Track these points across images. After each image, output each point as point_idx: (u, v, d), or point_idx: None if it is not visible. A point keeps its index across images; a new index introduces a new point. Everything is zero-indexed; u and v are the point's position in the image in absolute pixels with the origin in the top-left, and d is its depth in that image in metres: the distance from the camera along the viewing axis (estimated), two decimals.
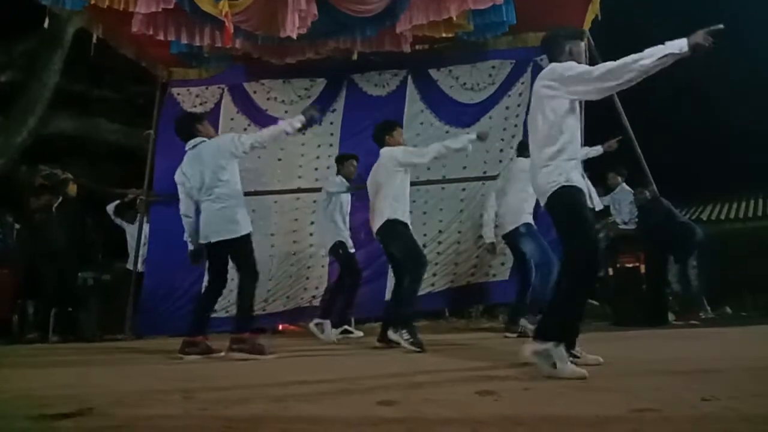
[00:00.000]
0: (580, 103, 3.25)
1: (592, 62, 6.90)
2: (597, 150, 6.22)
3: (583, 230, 3.00)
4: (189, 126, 4.76)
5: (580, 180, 3.09)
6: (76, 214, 7.79)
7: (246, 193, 6.93)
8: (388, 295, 6.43)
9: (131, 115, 12.05)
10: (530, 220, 5.51)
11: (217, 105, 7.58)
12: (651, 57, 2.82)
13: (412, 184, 6.74)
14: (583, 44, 3.27)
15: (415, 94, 7.25)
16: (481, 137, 4.91)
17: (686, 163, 16.55)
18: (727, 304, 8.78)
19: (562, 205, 3.05)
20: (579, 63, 3.17)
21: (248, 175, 7.14)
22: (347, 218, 6.14)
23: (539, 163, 3.11)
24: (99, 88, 12.70)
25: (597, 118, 6.39)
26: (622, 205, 7.37)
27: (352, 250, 6.07)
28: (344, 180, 6.11)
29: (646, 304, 6.65)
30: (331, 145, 7.31)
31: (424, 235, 6.77)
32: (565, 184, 3.02)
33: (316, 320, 5.93)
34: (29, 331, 6.92)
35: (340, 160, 6.29)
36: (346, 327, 6.13)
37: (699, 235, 7.07)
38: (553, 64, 3.18)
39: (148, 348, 5.54)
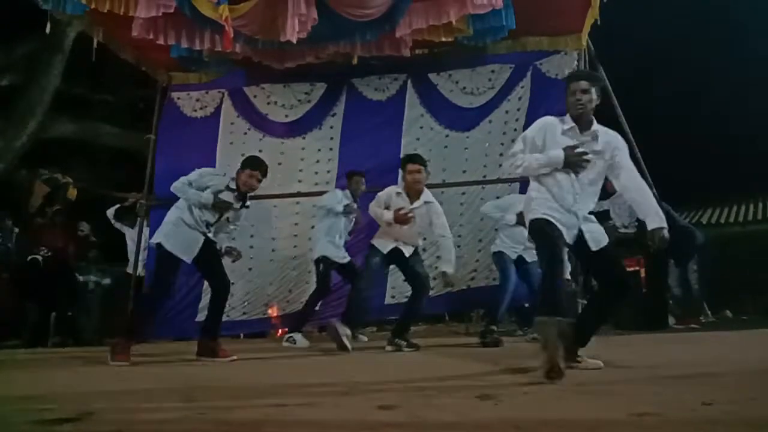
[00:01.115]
0: None
1: (591, 68, 6.96)
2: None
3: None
4: None
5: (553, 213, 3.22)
6: (75, 218, 7.82)
7: None
8: (388, 299, 6.45)
9: (131, 119, 12.08)
10: (497, 248, 5.71)
11: (218, 109, 7.59)
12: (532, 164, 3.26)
13: None
14: (573, 86, 3.30)
15: (414, 99, 7.25)
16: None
17: (686, 166, 16.57)
18: (727, 307, 8.79)
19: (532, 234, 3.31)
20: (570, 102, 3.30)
21: None
22: (344, 231, 6.06)
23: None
24: (99, 92, 12.72)
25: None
26: (621, 209, 7.36)
27: (345, 260, 6.00)
28: (347, 195, 6.05)
29: (647, 308, 6.65)
30: (331, 149, 7.31)
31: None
32: (535, 217, 3.23)
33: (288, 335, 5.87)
34: (30, 334, 6.92)
35: (349, 175, 6.24)
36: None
37: (699, 238, 7.07)
38: None
39: (148, 352, 5.52)
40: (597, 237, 3.28)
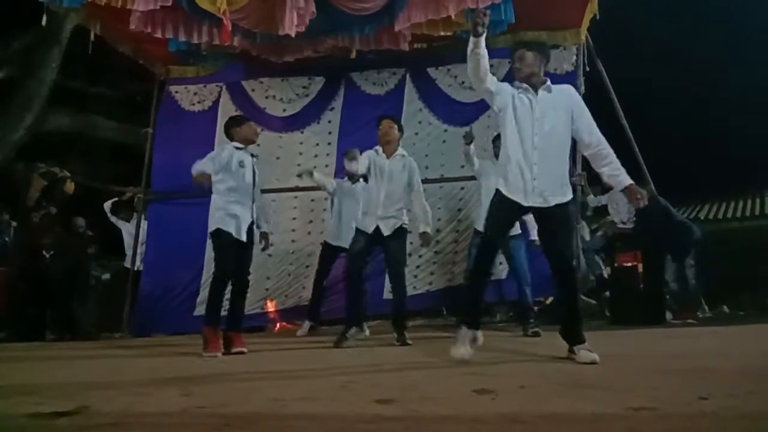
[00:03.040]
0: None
1: (590, 62, 6.95)
2: None
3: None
4: (225, 130, 4.79)
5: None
6: (72, 212, 7.81)
7: None
8: (386, 294, 6.43)
9: (129, 112, 12.05)
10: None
11: (216, 103, 7.57)
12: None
13: None
14: (515, 56, 3.54)
15: (413, 93, 7.23)
16: None
17: (684, 162, 16.59)
18: (724, 303, 8.80)
19: None
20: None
21: None
22: (342, 215, 6.11)
23: None
24: (96, 86, 12.68)
25: (596, 119, 6.37)
26: (620, 204, 7.37)
27: (341, 244, 5.92)
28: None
29: (644, 303, 6.65)
30: (329, 143, 7.30)
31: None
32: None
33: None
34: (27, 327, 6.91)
35: None
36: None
37: (696, 234, 7.08)
38: None
39: (146, 346, 5.53)
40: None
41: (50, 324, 6.97)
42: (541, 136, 3.39)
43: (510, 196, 3.42)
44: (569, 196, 3.45)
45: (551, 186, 3.38)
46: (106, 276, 7.71)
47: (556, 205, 3.37)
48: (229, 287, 4.60)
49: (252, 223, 4.56)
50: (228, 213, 4.46)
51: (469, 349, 3.33)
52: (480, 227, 5.51)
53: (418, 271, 6.75)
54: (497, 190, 3.49)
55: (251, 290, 6.82)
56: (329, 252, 6.17)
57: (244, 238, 4.49)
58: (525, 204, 3.40)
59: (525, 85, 3.47)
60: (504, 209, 3.48)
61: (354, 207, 5.79)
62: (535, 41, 6.80)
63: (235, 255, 4.49)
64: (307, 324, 6.28)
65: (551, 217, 3.40)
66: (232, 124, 4.74)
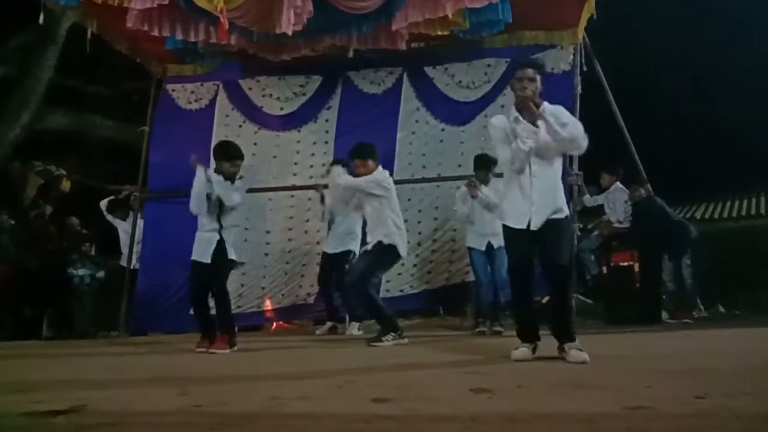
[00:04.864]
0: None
1: (587, 62, 6.95)
2: None
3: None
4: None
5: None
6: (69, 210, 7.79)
7: None
8: (382, 293, 6.44)
9: (126, 111, 12.02)
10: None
11: (212, 101, 7.55)
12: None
13: (409, 181, 6.77)
14: (520, 74, 3.45)
15: (410, 92, 7.23)
16: None
17: (680, 161, 16.60)
18: (720, 302, 8.83)
19: None
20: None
21: (244, 172, 7.11)
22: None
23: None
24: (93, 84, 12.65)
25: (594, 118, 6.39)
26: (617, 204, 7.37)
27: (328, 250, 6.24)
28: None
29: (640, 302, 6.67)
30: (326, 142, 7.29)
31: (419, 233, 6.77)
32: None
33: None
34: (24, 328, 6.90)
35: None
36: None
37: (693, 233, 7.10)
38: None
39: (142, 345, 5.52)
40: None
41: (47, 323, 6.96)
42: (540, 165, 3.43)
43: (516, 226, 3.44)
44: (565, 212, 3.48)
45: (549, 207, 3.41)
46: (101, 274, 7.68)
47: (551, 221, 3.40)
48: None
49: (220, 241, 4.62)
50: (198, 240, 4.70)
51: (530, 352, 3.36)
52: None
53: (415, 270, 6.75)
54: (504, 226, 3.54)
55: (248, 289, 6.90)
56: None
57: (208, 260, 4.59)
58: (531, 228, 3.40)
59: (522, 121, 3.44)
60: (516, 242, 3.49)
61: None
62: (533, 42, 6.87)
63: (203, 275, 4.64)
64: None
65: (546, 231, 3.41)
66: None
